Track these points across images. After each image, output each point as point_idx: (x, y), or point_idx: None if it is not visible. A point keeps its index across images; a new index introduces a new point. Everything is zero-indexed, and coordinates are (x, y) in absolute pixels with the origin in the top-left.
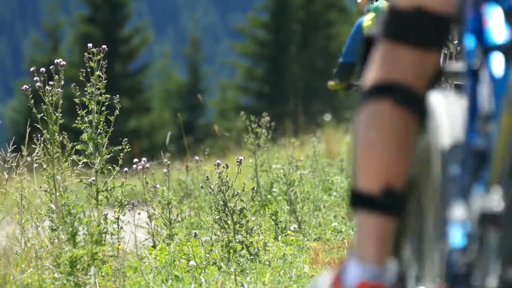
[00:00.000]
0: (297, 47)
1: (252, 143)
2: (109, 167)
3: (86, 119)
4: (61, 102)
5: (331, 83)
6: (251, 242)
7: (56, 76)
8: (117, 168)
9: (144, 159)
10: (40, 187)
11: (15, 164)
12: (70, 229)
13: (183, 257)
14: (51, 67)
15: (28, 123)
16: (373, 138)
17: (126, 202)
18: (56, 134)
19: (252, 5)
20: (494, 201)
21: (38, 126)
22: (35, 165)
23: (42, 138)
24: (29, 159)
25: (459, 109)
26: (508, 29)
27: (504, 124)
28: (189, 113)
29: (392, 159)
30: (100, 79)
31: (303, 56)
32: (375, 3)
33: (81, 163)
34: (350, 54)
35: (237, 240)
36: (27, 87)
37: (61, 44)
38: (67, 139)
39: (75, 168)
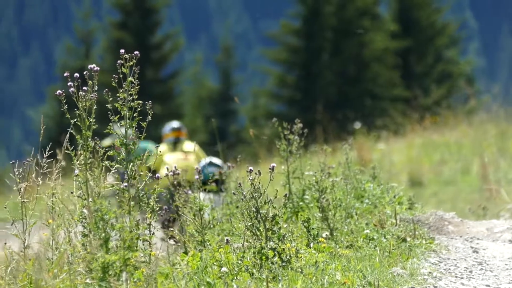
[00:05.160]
0: (329, 54)
1: (284, 149)
2: (142, 173)
3: (118, 125)
4: (94, 107)
5: None
6: (283, 249)
7: (90, 81)
8: (149, 174)
9: (175, 165)
10: (72, 192)
11: (50, 169)
12: (103, 234)
13: (215, 263)
14: (85, 73)
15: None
16: None
17: (158, 208)
18: (89, 139)
19: (284, 12)
20: None
21: (72, 131)
22: (75, 171)
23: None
24: (63, 163)
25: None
26: None
27: None
28: (221, 119)
29: None
30: (133, 85)
31: (335, 63)
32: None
33: (114, 168)
34: None
35: (269, 247)
36: (61, 92)
37: (93, 50)
38: (99, 145)
39: (108, 173)
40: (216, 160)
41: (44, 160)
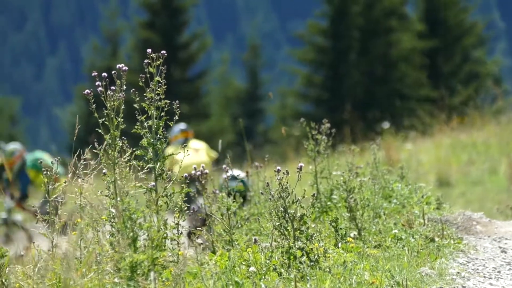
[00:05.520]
0: (357, 54)
1: (312, 149)
2: (169, 173)
3: (145, 124)
4: (122, 107)
5: None
6: (311, 248)
7: (118, 81)
8: (177, 173)
9: (203, 165)
10: (101, 192)
11: (77, 169)
12: (131, 234)
13: (243, 263)
14: (113, 72)
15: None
16: None
17: (186, 208)
18: (117, 139)
19: (312, 12)
20: None
21: (100, 131)
22: (105, 171)
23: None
24: (92, 163)
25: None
26: None
27: None
28: (248, 119)
29: None
30: (160, 84)
31: (363, 63)
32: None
33: (146, 168)
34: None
35: (297, 247)
36: (89, 91)
37: (120, 50)
38: (127, 145)
39: (138, 174)
40: (238, 173)
41: (81, 161)
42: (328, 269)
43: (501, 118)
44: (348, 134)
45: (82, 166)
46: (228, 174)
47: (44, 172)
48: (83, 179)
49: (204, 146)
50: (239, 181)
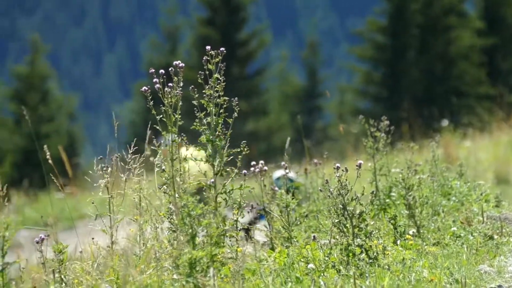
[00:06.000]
0: (416, 52)
1: (371, 146)
2: (228, 169)
3: (204, 121)
4: (180, 103)
5: None
6: (370, 246)
7: (175, 77)
8: (236, 170)
9: (262, 161)
10: (159, 188)
11: (135, 165)
12: (190, 230)
13: (302, 260)
14: (170, 69)
15: (149, 125)
16: None
17: (244, 204)
18: (176, 135)
19: (371, 9)
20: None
21: (158, 127)
22: (156, 169)
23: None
24: (151, 159)
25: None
26: None
27: None
28: (307, 116)
29: None
30: (219, 81)
31: (422, 60)
32: None
33: (204, 162)
34: None
35: (356, 244)
36: (147, 88)
37: (179, 46)
38: (186, 141)
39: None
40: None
41: (130, 156)
42: (387, 266)
43: None
44: (407, 132)
45: (132, 161)
46: (283, 172)
47: None
48: (142, 175)
49: (199, 153)
50: (295, 179)
